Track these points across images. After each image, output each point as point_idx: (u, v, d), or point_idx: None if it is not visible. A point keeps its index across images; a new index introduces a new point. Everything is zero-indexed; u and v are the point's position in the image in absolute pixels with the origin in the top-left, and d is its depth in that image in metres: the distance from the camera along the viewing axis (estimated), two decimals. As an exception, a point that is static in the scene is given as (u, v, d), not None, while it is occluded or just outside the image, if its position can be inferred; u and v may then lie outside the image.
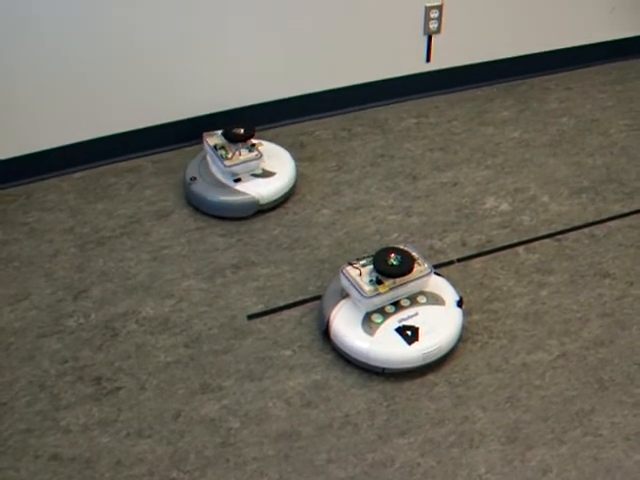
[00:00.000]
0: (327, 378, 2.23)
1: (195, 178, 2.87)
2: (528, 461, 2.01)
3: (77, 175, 3.11)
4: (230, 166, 2.79)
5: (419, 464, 2.01)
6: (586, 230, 2.73)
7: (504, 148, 3.15)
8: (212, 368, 2.28)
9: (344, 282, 2.25)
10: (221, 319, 2.43)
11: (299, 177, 3.00)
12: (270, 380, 2.24)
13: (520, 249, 2.65)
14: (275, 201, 2.86)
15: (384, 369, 2.20)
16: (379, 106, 3.43)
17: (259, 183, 2.84)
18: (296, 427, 2.11)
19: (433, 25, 3.30)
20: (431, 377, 2.23)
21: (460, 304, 2.28)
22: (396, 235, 2.68)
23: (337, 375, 2.24)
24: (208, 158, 2.92)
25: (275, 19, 3.07)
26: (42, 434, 2.15)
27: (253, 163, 2.83)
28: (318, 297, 2.46)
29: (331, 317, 2.26)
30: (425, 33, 3.33)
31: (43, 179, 3.09)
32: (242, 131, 2.85)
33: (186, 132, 3.14)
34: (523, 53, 3.55)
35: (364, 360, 2.21)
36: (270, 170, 2.88)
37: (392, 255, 2.25)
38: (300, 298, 2.49)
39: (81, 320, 2.46)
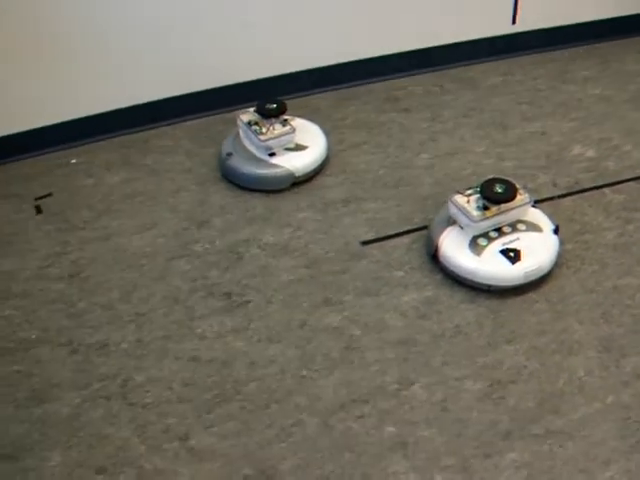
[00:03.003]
0: (437, 295, 2.47)
1: (231, 154, 2.96)
2: (623, 367, 2.23)
3: (187, 124, 3.35)
4: (265, 140, 2.87)
5: (525, 367, 2.24)
6: (668, 176, 2.93)
7: (586, 103, 3.36)
8: (332, 285, 2.53)
9: (452, 209, 2.49)
10: (336, 245, 2.67)
11: (395, 126, 3.23)
12: (386, 296, 2.48)
13: (607, 190, 2.86)
14: (309, 173, 2.96)
15: (490, 286, 2.43)
16: (467, 65, 3.65)
17: (293, 156, 2.94)
18: (412, 335, 2.35)
19: (520, -12, 3.50)
20: (532, 295, 2.45)
21: (556, 231, 2.51)
22: (491, 177, 2.88)
23: (446, 292, 2.48)
24: (242, 134, 3.00)
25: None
26: (180, 340, 2.40)
27: (287, 137, 2.91)
28: (424, 227, 2.70)
29: (440, 241, 2.50)
30: (512, -4, 3.53)
31: (157, 127, 3.33)
32: (274, 106, 2.93)
33: (284, 87, 3.42)
34: (604, 17, 3.73)
35: (472, 278, 2.44)
36: (302, 144, 2.97)
37: (497, 184, 2.47)
38: (407, 228, 2.72)
39: (207, 245, 2.71)
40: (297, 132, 2.93)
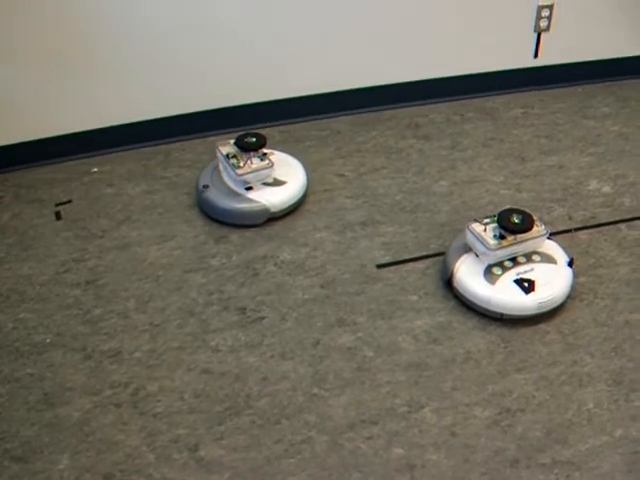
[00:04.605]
0: (450, 321, 2.49)
1: (207, 186, 2.92)
2: (632, 401, 2.24)
3: (210, 139, 3.39)
4: (242, 175, 2.83)
5: (534, 396, 2.26)
6: (683, 215, 2.95)
7: (605, 139, 3.39)
8: (346, 306, 2.55)
9: (469, 236, 2.52)
10: (352, 266, 2.70)
11: (415, 152, 3.26)
12: (399, 319, 2.50)
13: (622, 226, 2.88)
14: (286, 209, 2.92)
15: (502, 315, 2.45)
16: (488, 96, 3.68)
17: (270, 192, 2.89)
18: (424, 359, 2.37)
19: (543, 23, 3.55)
20: (543, 326, 2.47)
21: (571, 264, 2.53)
22: (508, 207, 2.90)
23: (459, 319, 2.50)
24: (220, 166, 2.96)
25: (394, 9, 3.36)
26: (193, 352, 2.42)
27: (264, 172, 2.87)
28: (440, 254, 2.72)
29: (455, 268, 2.52)
30: (535, 30, 3.57)
31: (180, 141, 3.37)
32: (254, 140, 2.88)
33: (308, 108, 3.47)
34: (626, 55, 3.76)
35: (485, 306, 2.46)
36: (281, 179, 2.93)
37: (514, 214, 2.50)
38: (423, 254, 2.75)
39: (224, 260, 2.74)
40: (277, 167, 2.90)
